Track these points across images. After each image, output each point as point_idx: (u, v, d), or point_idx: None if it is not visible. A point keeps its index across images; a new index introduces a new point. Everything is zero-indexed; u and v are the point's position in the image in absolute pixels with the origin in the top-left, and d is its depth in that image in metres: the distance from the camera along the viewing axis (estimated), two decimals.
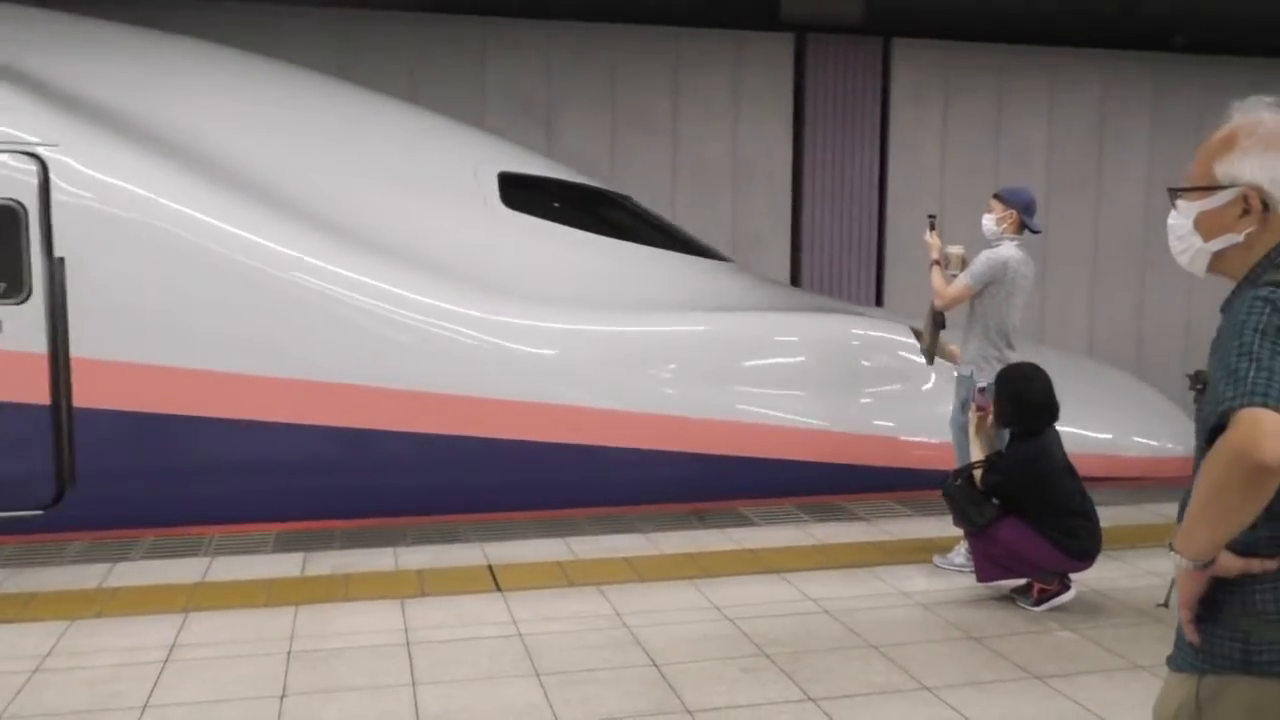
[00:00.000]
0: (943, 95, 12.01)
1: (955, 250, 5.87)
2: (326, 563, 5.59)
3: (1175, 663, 1.98)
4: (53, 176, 5.92)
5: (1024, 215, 5.64)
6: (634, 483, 6.74)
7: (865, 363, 7.08)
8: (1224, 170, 1.94)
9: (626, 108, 11.04)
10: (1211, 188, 1.96)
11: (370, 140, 7.31)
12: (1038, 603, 4.97)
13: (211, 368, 6.07)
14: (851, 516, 6.57)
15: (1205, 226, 1.98)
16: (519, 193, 7.34)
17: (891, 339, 7.20)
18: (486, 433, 6.45)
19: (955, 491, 5.08)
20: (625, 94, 11.06)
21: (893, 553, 5.82)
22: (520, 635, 4.61)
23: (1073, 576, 5.02)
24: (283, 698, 3.99)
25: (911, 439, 6.99)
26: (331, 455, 6.36)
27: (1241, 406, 1.71)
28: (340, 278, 6.34)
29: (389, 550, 5.81)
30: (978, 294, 5.59)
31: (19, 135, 5.94)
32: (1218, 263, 1.99)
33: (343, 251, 6.43)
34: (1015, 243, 5.64)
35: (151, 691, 4.02)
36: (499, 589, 5.21)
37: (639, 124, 11.07)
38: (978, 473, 5.08)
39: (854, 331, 7.22)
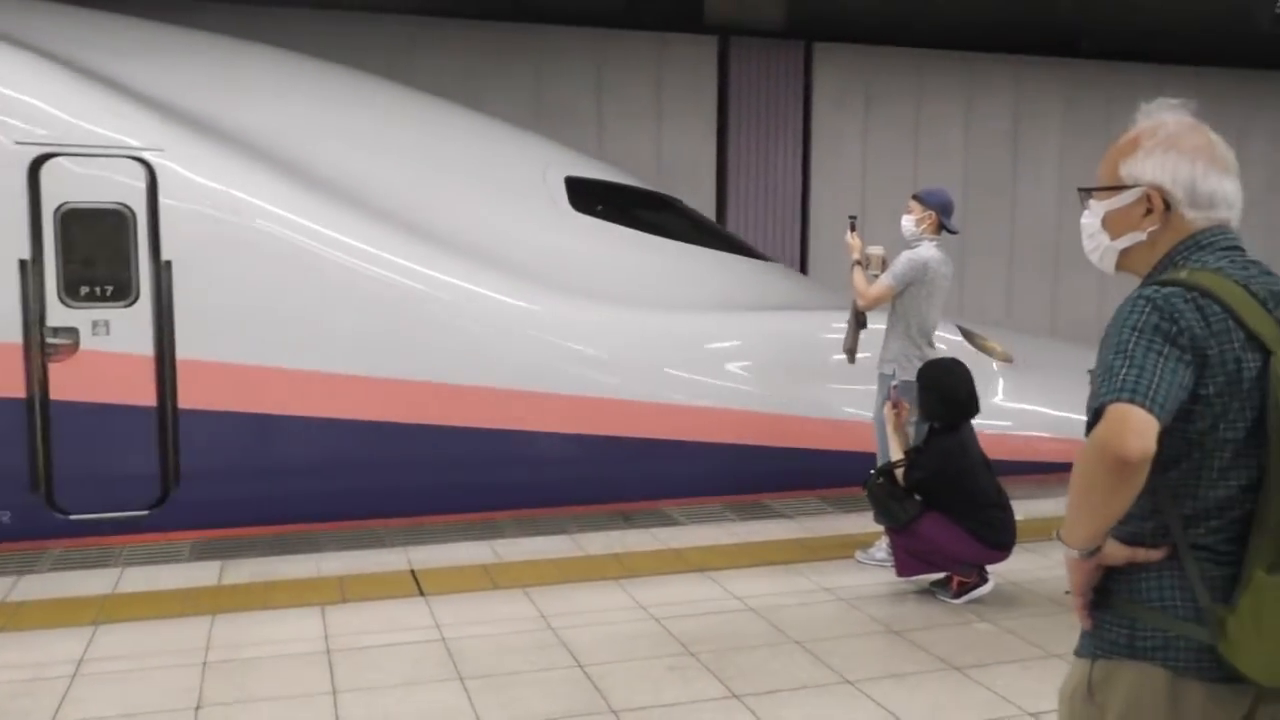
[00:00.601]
0: (863, 98, 12.19)
1: (876, 251, 5.96)
2: (245, 570, 5.47)
3: (1076, 648, 2.04)
4: (159, 181, 6.01)
5: (942, 216, 5.75)
6: (761, 475, 7.05)
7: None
8: (1129, 171, 1.99)
9: (551, 107, 11.00)
10: (1117, 188, 2.00)
11: (447, 145, 7.50)
12: (957, 595, 5.06)
13: (308, 368, 6.20)
14: (776, 514, 6.62)
15: (1112, 225, 2.03)
16: (584, 196, 7.53)
17: (948, 337, 7.34)
18: (577, 430, 6.71)
19: (878, 489, 5.15)
20: (550, 93, 11.03)
21: (816, 549, 5.88)
22: (444, 639, 4.56)
23: (990, 568, 5.12)
24: (198, 709, 3.88)
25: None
26: (426, 451, 6.47)
27: (1111, 402, 1.76)
28: (432, 279, 6.50)
29: (310, 556, 5.71)
30: (899, 293, 5.68)
31: (127, 140, 6.02)
32: (1125, 260, 2.04)
33: (433, 255, 6.58)
34: (934, 243, 5.74)
35: (59, 706, 3.89)
36: (422, 593, 5.15)
37: (563, 123, 11.03)
38: (899, 471, 5.14)
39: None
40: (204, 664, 4.29)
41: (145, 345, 6.01)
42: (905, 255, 5.72)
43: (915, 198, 5.85)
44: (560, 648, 4.47)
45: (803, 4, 11.41)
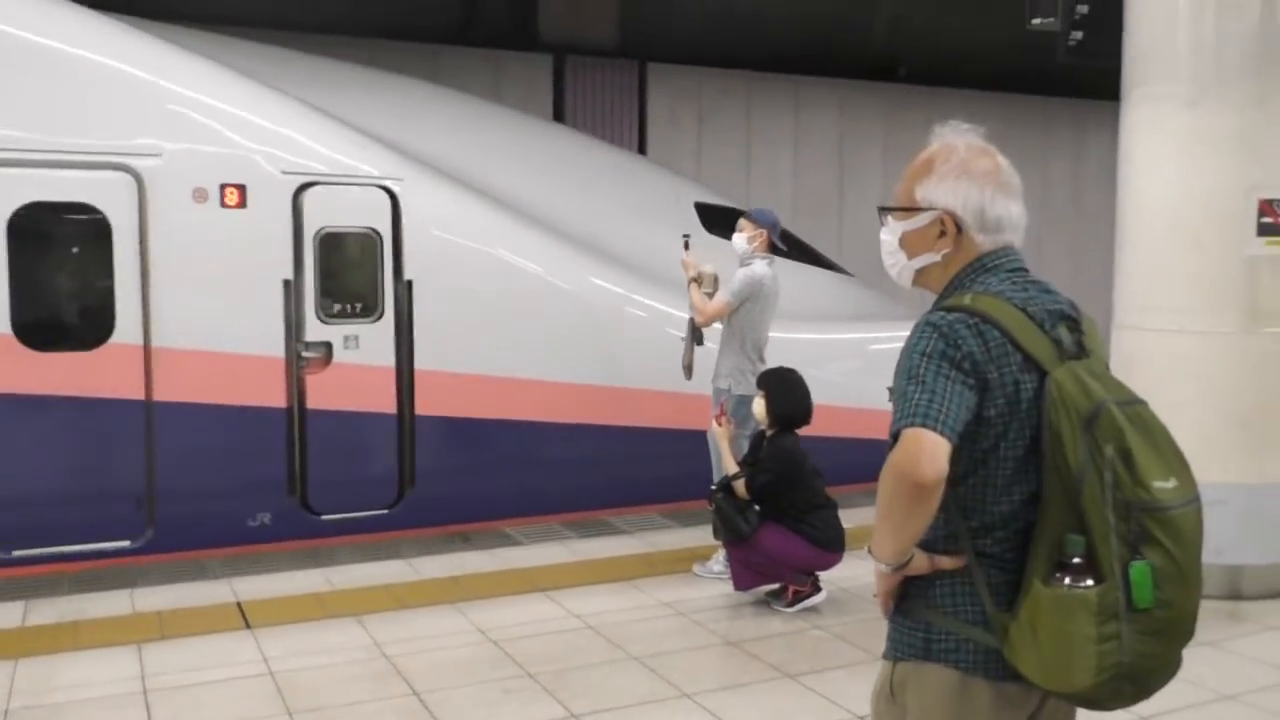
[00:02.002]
0: (696, 118, 12.44)
1: (709, 269, 6.07)
2: (51, 610, 5.12)
3: (883, 651, 2.13)
4: (401, 207, 6.53)
5: (773, 234, 5.91)
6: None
7: None
8: (923, 193, 2.07)
9: None
10: (914, 209, 2.09)
11: (599, 175, 8.34)
12: (791, 604, 5.19)
13: (522, 376, 6.73)
14: (615, 531, 6.64)
15: (909, 245, 2.11)
16: (713, 219, 8.12)
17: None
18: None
19: (722, 504, 5.23)
20: None
21: (655, 564, 5.93)
22: (271, 673, 4.37)
23: (822, 577, 5.27)
24: None
25: None
26: (626, 451, 7.05)
27: (906, 427, 1.84)
28: (627, 299, 7.22)
29: (124, 592, 5.39)
30: (734, 310, 5.80)
31: (373, 171, 6.58)
32: (920, 278, 2.14)
33: (624, 276, 7.31)
34: (767, 260, 5.89)
35: None
36: (248, 626, 4.93)
37: None
38: (739, 483, 5.23)
39: None
40: (5, 711, 3.99)
41: (388, 358, 6.55)
42: (741, 273, 5.85)
43: (747, 217, 6.00)
44: (395, 676, 4.36)
45: (636, 25, 11.57)
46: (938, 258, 2.07)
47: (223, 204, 6.10)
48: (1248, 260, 5.21)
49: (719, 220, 8.18)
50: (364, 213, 6.50)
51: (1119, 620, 1.80)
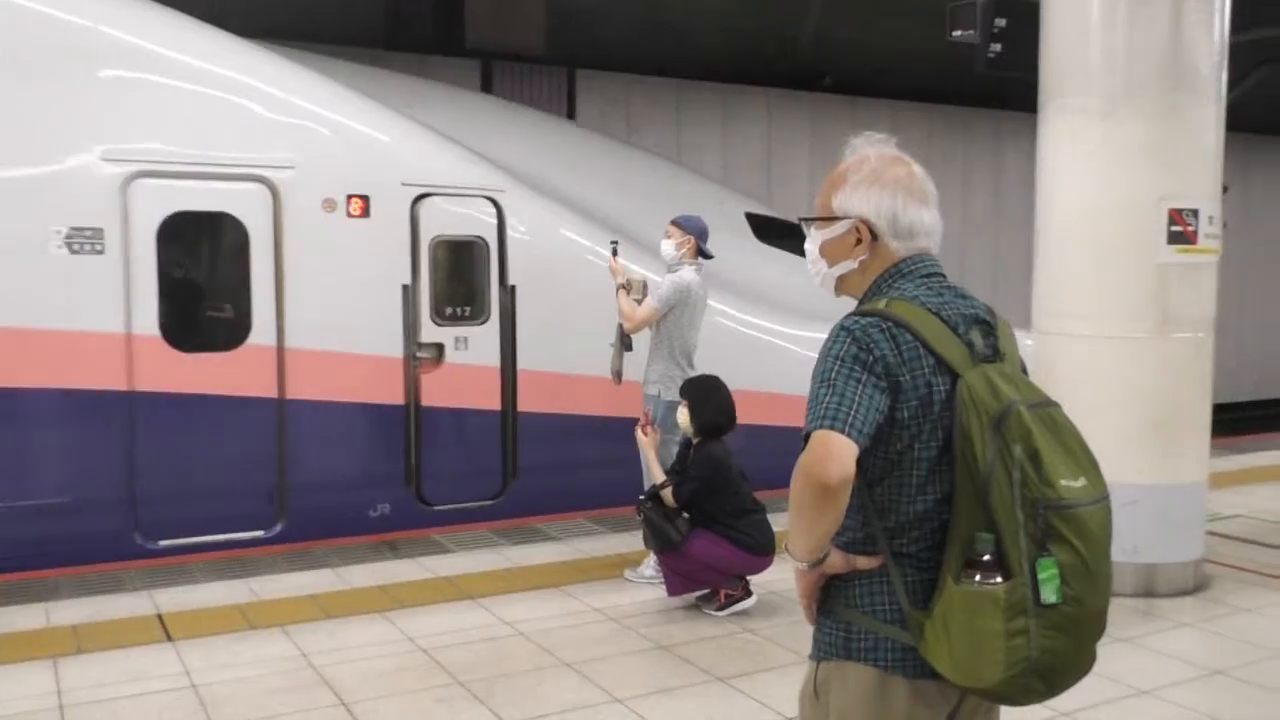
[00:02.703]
0: (625, 125, 12.47)
1: (637, 276, 6.09)
2: None
3: (810, 652, 2.16)
4: (506, 217, 6.98)
5: (700, 241, 5.95)
6: None
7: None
8: (839, 203, 2.12)
9: None
10: (831, 218, 2.14)
11: (666, 192, 8.70)
12: (722, 608, 5.22)
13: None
14: (546, 537, 6.63)
15: (828, 253, 2.16)
16: (762, 228, 8.81)
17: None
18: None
19: (651, 513, 5.24)
20: None
21: (586, 570, 5.92)
22: (194, 686, 4.28)
23: (753, 581, 5.32)
24: None
25: None
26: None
27: (815, 429, 1.88)
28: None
29: (38, 606, 5.23)
30: (662, 316, 5.83)
31: (481, 183, 7.01)
32: (842, 285, 2.18)
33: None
34: (694, 267, 5.93)
35: None
36: (170, 639, 4.82)
37: None
38: (666, 492, 5.25)
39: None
40: None
41: (494, 358, 7.00)
42: (668, 279, 5.88)
43: (675, 223, 6.03)
44: (322, 687, 4.29)
45: (563, 32, 11.57)
46: (855, 265, 2.12)
47: (348, 213, 6.53)
48: (1159, 268, 5.38)
49: (768, 229, 8.89)
50: (473, 222, 6.98)
51: (1027, 616, 1.84)
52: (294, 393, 6.37)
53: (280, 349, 6.32)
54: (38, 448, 5.91)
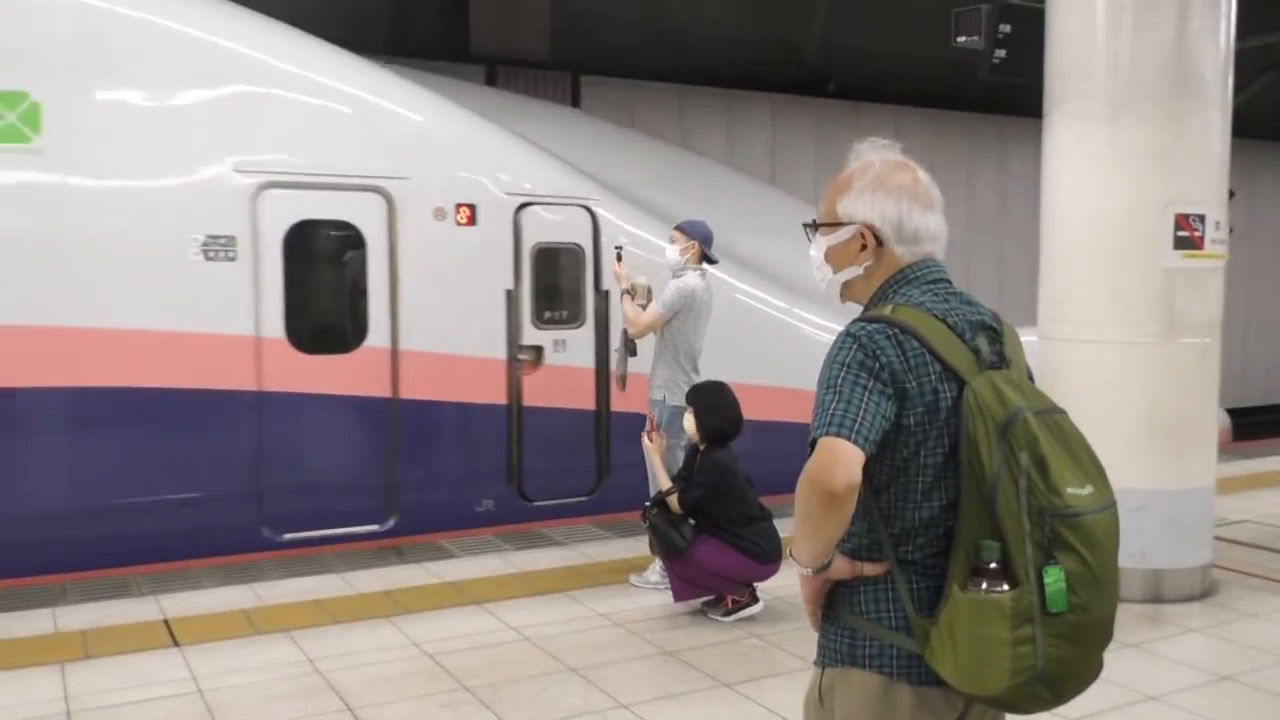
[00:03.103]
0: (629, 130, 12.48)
1: (642, 281, 6.10)
2: None
3: (815, 658, 2.16)
4: (600, 225, 7.33)
5: (704, 246, 5.96)
6: None
7: None
8: (844, 208, 2.12)
9: None
10: (836, 224, 2.13)
11: (736, 200, 9.14)
12: (729, 614, 5.22)
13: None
14: (551, 542, 6.62)
15: (834, 259, 2.16)
16: None
17: None
18: None
19: (656, 519, 5.23)
20: None
21: (591, 575, 5.92)
22: (200, 692, 4.28)
23: (760, 588, 5.31)
24: None
25: None
26: (782, 447, 7.46)
27: (821, 436, 1.88)
28: (779, 306, 7.99)
29: (46, 611, 5.24)
30: (667, 322, 5.83)
31: (576, 192, 7.33)
32: (847, 291, 2.18)
33: (772, 287, 8.03)
34: (698, 272, 5.94)
35: None
36: (176, 644, 4.82)
37: None
38: (671, 498, 5.25)
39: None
40: None
41: (589, 360, 7.28)
42: (673, 284, 5.88)
43: (679, 229, 6.04)
44: (328, 692, 4.29)
45: (568, 37, 11.60)
46: (860, 270, 2.12)
47: (456, 222, 6.84)
48: (1165, 272, 5.38)
49: None
50: (570, 229, 7.29)
51: (1033, 624, 1.83)
52: (406, 393, 6.70)
53: (394, 351, 6.64)
54: (177, 445, 6.19)
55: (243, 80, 6.40)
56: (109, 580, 5.75)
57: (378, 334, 6.60)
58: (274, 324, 6.30)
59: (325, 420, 6.54)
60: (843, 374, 1.92)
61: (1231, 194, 5.90)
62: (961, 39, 7.25)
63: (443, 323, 6.79)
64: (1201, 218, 5.38)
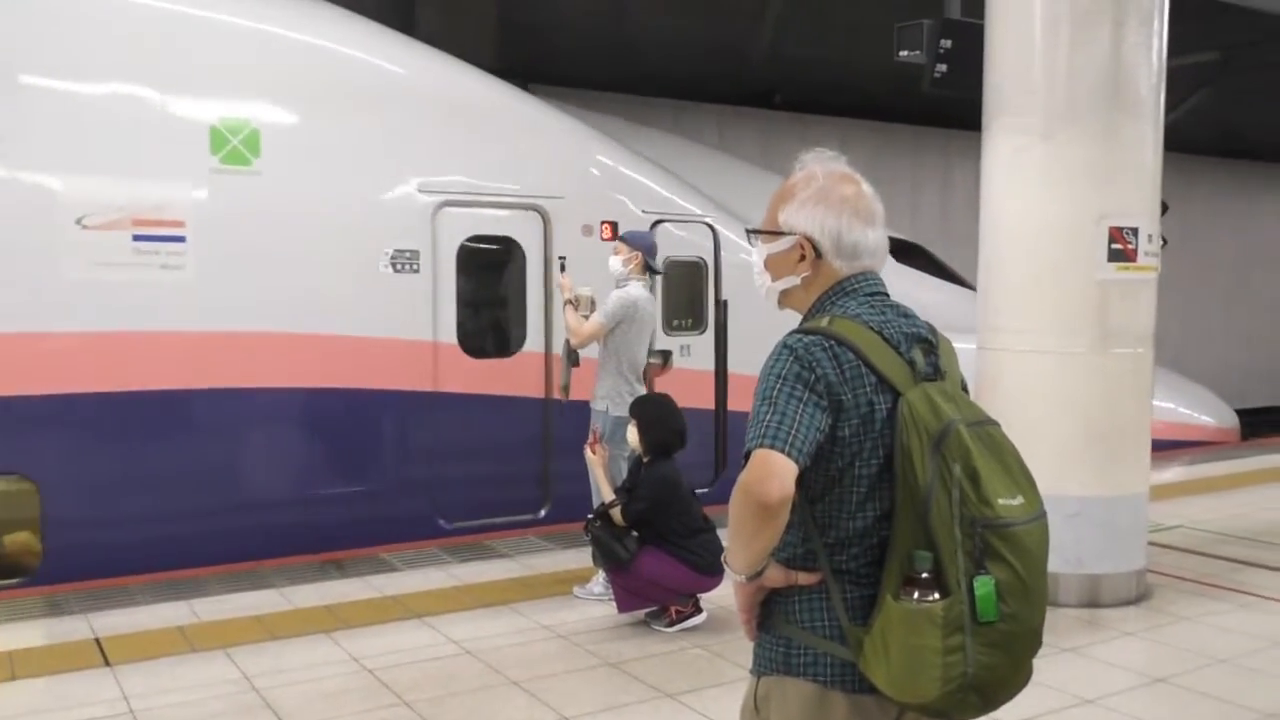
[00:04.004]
0: None
1: (585, 292, 6.10)
2: None
3: (751, 667, 2.16)
4: (720, 240, 8.04)
5: (648, 257, 5.97)
6: None
7: None
8: (785, 218, 2.13)
9: None
10: (776, 233, 2.15)
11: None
12: (672, 624, 5.21)
13: None
14: (495, 554, 6.58)
15: (772, 267, 2.17)
16: (892, 249, 9.80)
17: None
18: None
19: (599, 531, 5.21)
20: None
21: (534, 587, 5.88)
22: (133, 712, 4.18)
23: (702, 597, 5.31)
24: None
25: None
26: None
27: (755, 448, 1.89)
28: None
29: None
30: (609, 331, 5.83)
31: (699, 210, 8.07)
32: (785, 300, 2.19)
33: None
34: (641, 282, 5.94)
35: None
36: (108, 663, 4.71)
37: None
38: (615, 510, 5.23)
39: None
40: None
41: (710, 364, 7.99)
42: (615, 294, 5.88)
43: (622, 239, 6.05)
44: (265, 710, 4.22)
45: (515, 45, 11.56)
46: (798, 281, 2.13)
47: (601, 237, 7.50)
48: (1099, 284, 5.48)
49: (895, 249, 9.61)
50: (694, 244, 8.02)
51: (964, 633, 1.85)
52: (558, 393, 7.16)
53: (548, 355, 7.30)
54: (366, 441, 6.82)
55: (425, 109, 7.04)
56: (39, 598, 5.61)
57: (534, 340, 7.31)
58: (448, 330, 6.97)
59: (490, 418, 7.16)
60: (778, 386, 1.93)
61: (1165, 207, 6.03)
62: (904, 53, 7.33)
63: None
64: (1135, 230, 5.49)
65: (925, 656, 1.85)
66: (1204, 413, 11.20)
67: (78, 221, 5.85)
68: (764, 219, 2.18)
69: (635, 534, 5.20)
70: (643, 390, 5.83)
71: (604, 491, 5.40)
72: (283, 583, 5.93)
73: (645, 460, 5.33)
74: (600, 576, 5.60)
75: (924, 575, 1.89)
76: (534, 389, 7.30)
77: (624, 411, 5.66)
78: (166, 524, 6.25)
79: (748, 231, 2.22)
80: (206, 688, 4.44)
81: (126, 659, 4.75)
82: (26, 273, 5.82)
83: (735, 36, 12.28)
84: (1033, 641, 1.95)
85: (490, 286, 7.41)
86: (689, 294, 7.99)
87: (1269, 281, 19.45)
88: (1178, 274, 15.18)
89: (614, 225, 7.49)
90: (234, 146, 6.28)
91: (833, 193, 2.10)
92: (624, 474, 5.63)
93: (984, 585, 1.85)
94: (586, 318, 5.93)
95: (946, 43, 7.11)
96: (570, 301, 5.99)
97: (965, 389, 2.11)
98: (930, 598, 1.87)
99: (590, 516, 5.36)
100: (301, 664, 4.72)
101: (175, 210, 6.10)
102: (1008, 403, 5.32)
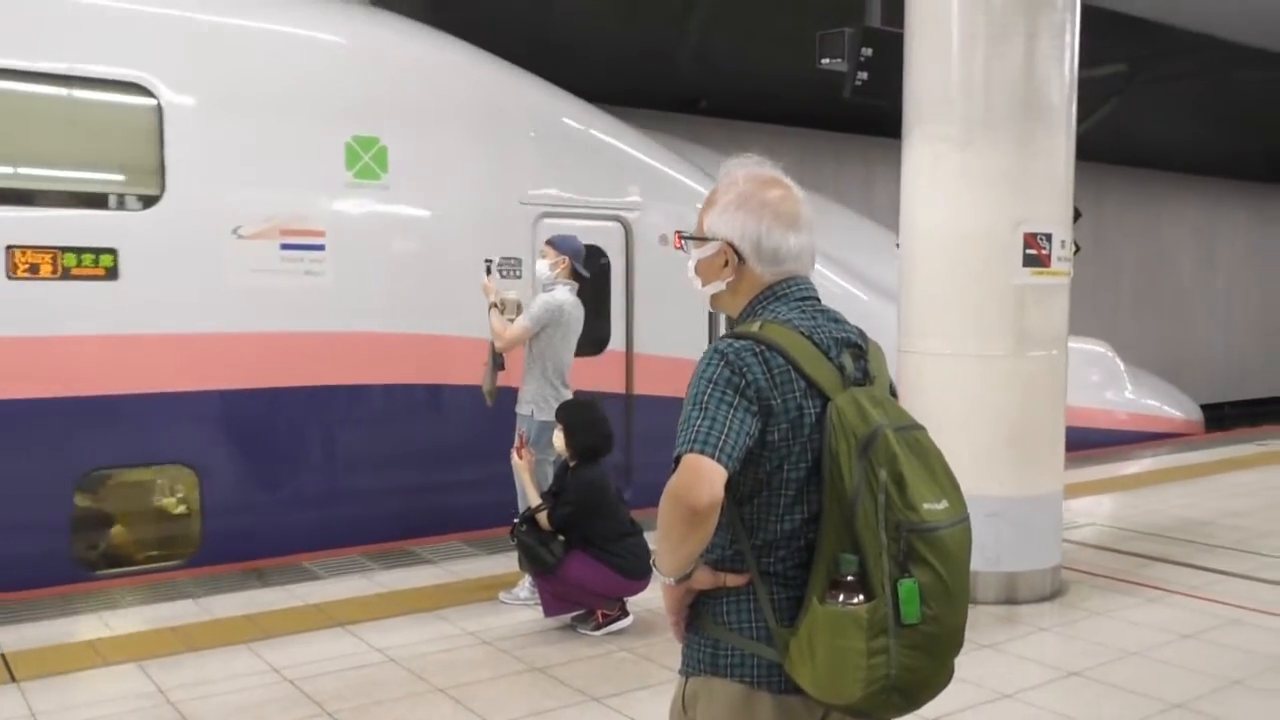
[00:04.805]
0: None
1: (511, 295, 6.07)
2: None
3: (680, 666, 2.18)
4: None
5: (575, 261, 5.96)
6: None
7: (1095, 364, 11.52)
8: (709, 224, 2.15)
9: None
10: (704, 238, 2.16)
11: (843, 227, 10.58)
12: (598, 628, 5.21)
13: None
14: (420, 560, 6.51)
15: (702, 272, 2.18)
16: None
17: (1101, 352, 11.66)
18: None
19: (525, 536, 5.18)
20: None
21: (459, 593, 5.83)
22: None
23: (629, 600, 5.31)
24: None
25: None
26: None
27: (685, 453, 1.91)
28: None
29: None
30: (535, 335, 5.80)
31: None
32: (716, 303, 2.21)
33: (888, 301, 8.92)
34: (568, 287, 5.93)
35: None
36: (14, 679, 4.55)
37: None
38: (541, 515, 5.21)
39: (1100, 350, 11.68)
40: None
41: None
42: (541, 298, 5.86)
43: (549, 243, 6.03)
44: None
45: None
46: (723, 286, 2.15)
47: (674, 246, 8.08)
48: (1016, 289, 5.62)
49: None
50: None
51: (888, 635, 1.87)
52: (639, 389, 7.97)
53: (629, 354, 7.96)
54: (477, 433, 6.95)
55: (525, 128, 7.68)
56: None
57: (617, 339, 7.91)
58: None
59: None
60: (709, 391, 1.94)
61: (1078, 214, 6.20)
62: (825, 61, 7.42)
63: (664, 331, 8.04)
64: (1049, 236, 5.64)
65: (850, 658, 1.87)
66: (1172, 407, 12.19)
67: (234, 231, 6.39)
68: (695, 224, 2.19)
69: (562, 538, 5.18)
70: (569, 395, 5.81)
71: (530, 496, 5.38)
72: (200, 593, 5.79)
73: (572, 465, 5.31)
74: (526, 581, 5.57)
75: (849, 578, 1.91)
76: (618, 385, 7.94)
77: (550, 416, 5.64)
78: (323, 508, 6.86)
79: (679, 235, 2.24)
80: (119, 702, 4.32)
81: (34, 675, 4.60)
82: (196, 278, 6.34)
83: (664, 41, 12.33)
84: (954, 642, 1.98)
85: (582, 291, 7.82)
86: None
87: (1172, 286, 20.15)
88: (1089, 279, 15.65)
89: (684, 235, 8.02)
90: (365, 162, 6.91)
91: (754, 198, 2.11)
92: (550, 479, 5.60)
93: (908, 588, 1.88)
94: (512, 321, 5.89)
95: (867, 51, 7.21)
96: (494, 305, 5.95)
97: (895, 394, 2.14)
98: (855, 600, 1.89)
99: (516, 521, 5.33)
100: (219, 675, 4.61)
101: (316, 220, 6.68)
102: (928, 405, 5.41)
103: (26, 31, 6.00)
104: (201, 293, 6.34)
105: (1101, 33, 7.65)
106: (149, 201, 6.27)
